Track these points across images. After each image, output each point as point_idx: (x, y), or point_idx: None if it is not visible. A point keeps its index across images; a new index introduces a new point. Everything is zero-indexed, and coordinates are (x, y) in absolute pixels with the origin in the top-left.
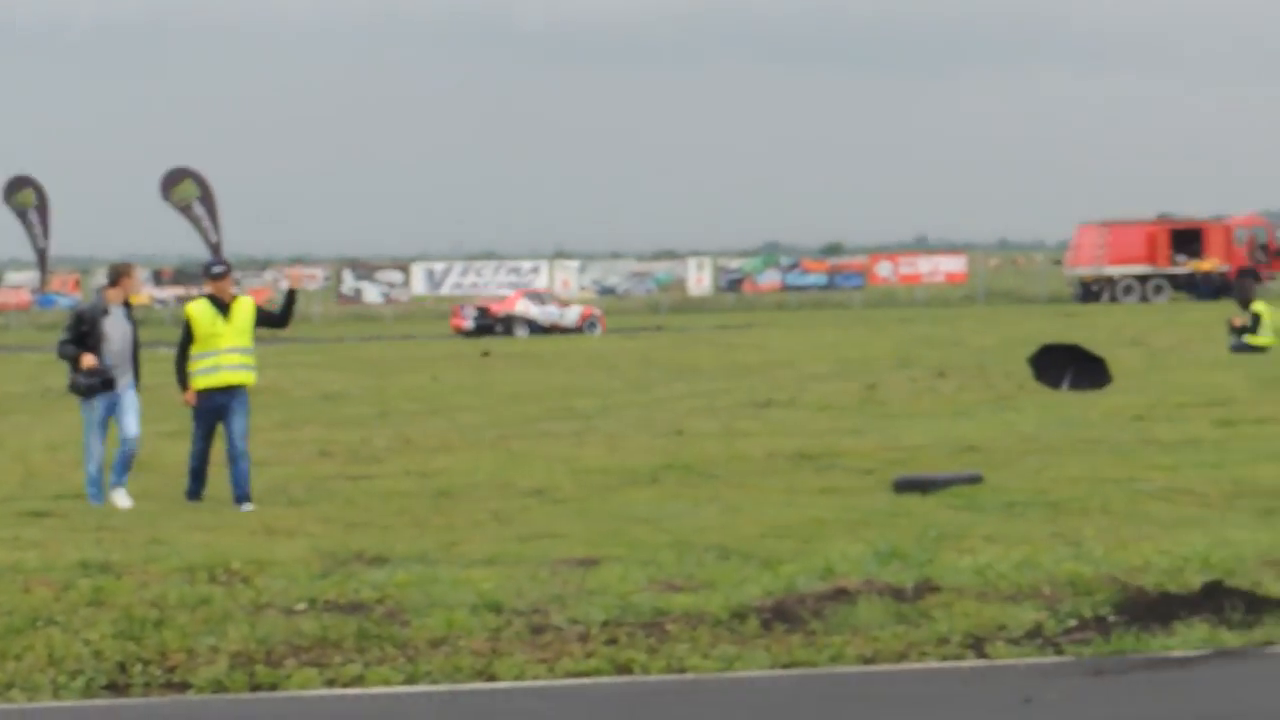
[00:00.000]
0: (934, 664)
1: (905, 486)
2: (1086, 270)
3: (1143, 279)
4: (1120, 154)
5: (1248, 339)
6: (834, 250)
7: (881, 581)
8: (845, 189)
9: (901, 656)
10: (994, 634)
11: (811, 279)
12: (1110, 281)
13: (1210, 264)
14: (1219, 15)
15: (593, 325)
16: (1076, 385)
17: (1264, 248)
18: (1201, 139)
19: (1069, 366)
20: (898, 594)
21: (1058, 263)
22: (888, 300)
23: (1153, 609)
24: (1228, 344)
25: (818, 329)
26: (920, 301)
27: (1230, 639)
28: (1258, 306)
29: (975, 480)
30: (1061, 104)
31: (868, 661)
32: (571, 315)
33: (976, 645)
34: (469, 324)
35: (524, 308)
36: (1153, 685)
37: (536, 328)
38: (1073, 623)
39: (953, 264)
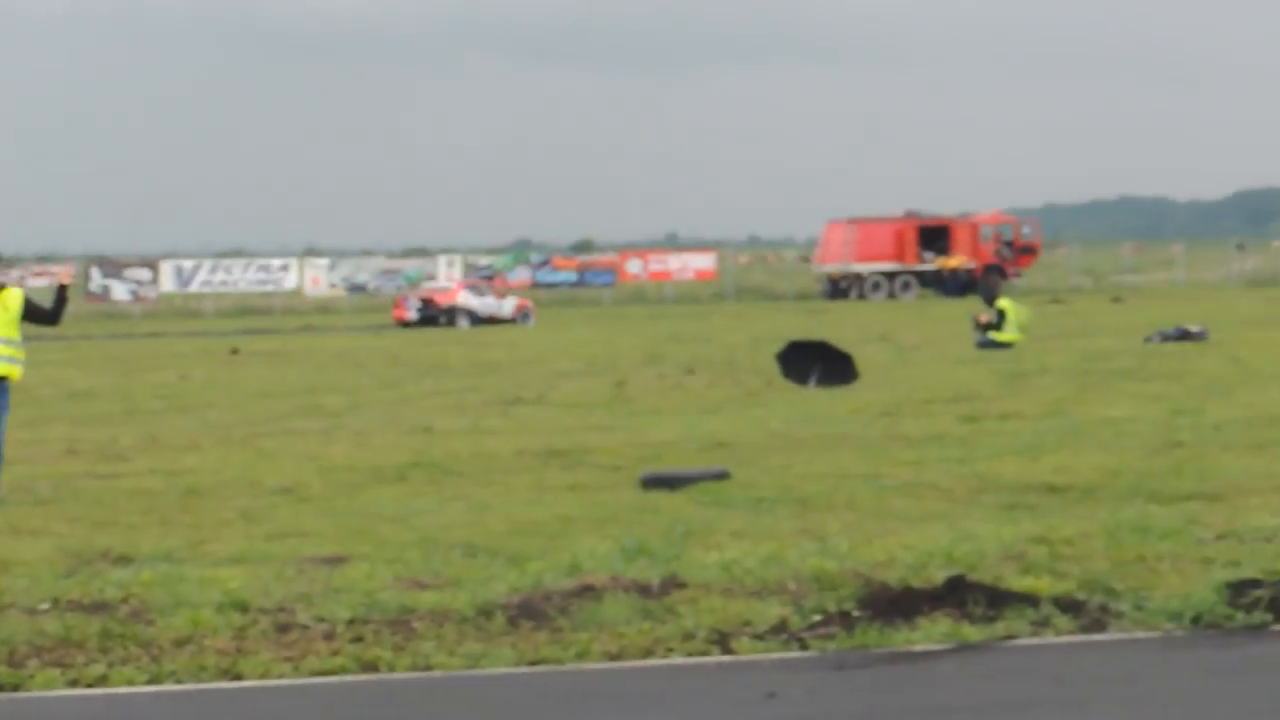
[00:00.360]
0: (679, 660)
1: (653, 483)
2: (835, 267)
3: (890, 276)
4: (869, 151)
5: (993, 335)
6: (584, 247)
7: (628, 578)
8: (595, 186)
9: (647, 652)
10: (739, 629)
11: (562, 276)
12: (858, 278)
13: (957, 261)
14: (965, 13)
15: (526, 316)
16: (824, 382)
17: (1010, 245)
18: (949, 137)
19: (817, 363)
20: (644, 590)
21: (806, 260)
22: (638, 297)
23: (896, 604)
24: (973, 340)
25: (568, 326)
26: (670, 298)
27: (972, 633)
28: (1003, 303)
29: (722, 476)
30: (809, 102)
31: (614, 658)
32: (508, 307)
33: (722, 641)
34: (412, 315)
35: (465, 299)
36: (895, 679)
37: (476, 318)
38: (817, 618)
39: (702, 261)
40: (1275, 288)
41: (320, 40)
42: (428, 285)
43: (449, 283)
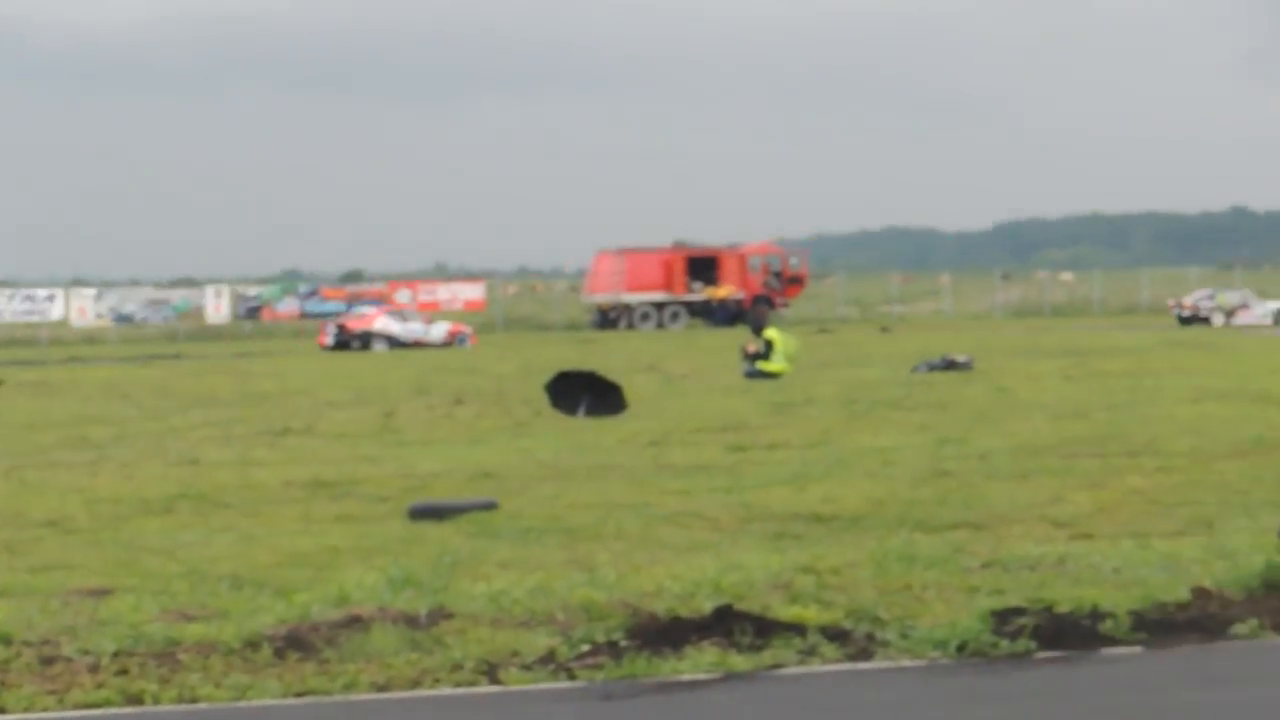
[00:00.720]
0: (447, 690)
1: (420, 514)
2: (604, 297)
3: (660, 306)
4: (637, 182)
5: (761, 365)
6: (353, 277)
7: (395, 609)
8: (364, 216)
9: (415, 683)
10: (507, 660)
11: (330, 306)
12: (628, 308)
13: (725, 291)
14: (731, 45)
15: (462, 340)
16: (593, 412)
17: (778, 275)
18: (717, 168)
19: (585, 393)
20: (412, 621)
21: (576, 290)
22: None
23: (664, 633)
24: (741, 370)
25: (336, 357)
26: None
27: (740, 662)
28: (771, 333)
29: (490, 507)
30: (578, 132)
31: (381, 689)
32: (438, 332)
33: (490, 671)
34: (329, 340)
35: (383, 324)
36: (663, 709)
37: (397, 343)
38: (585, 648)
39: (471, 291)
40: (1039, 317)
41: (85, 68)
42: (358, 311)
43: (372, 309)
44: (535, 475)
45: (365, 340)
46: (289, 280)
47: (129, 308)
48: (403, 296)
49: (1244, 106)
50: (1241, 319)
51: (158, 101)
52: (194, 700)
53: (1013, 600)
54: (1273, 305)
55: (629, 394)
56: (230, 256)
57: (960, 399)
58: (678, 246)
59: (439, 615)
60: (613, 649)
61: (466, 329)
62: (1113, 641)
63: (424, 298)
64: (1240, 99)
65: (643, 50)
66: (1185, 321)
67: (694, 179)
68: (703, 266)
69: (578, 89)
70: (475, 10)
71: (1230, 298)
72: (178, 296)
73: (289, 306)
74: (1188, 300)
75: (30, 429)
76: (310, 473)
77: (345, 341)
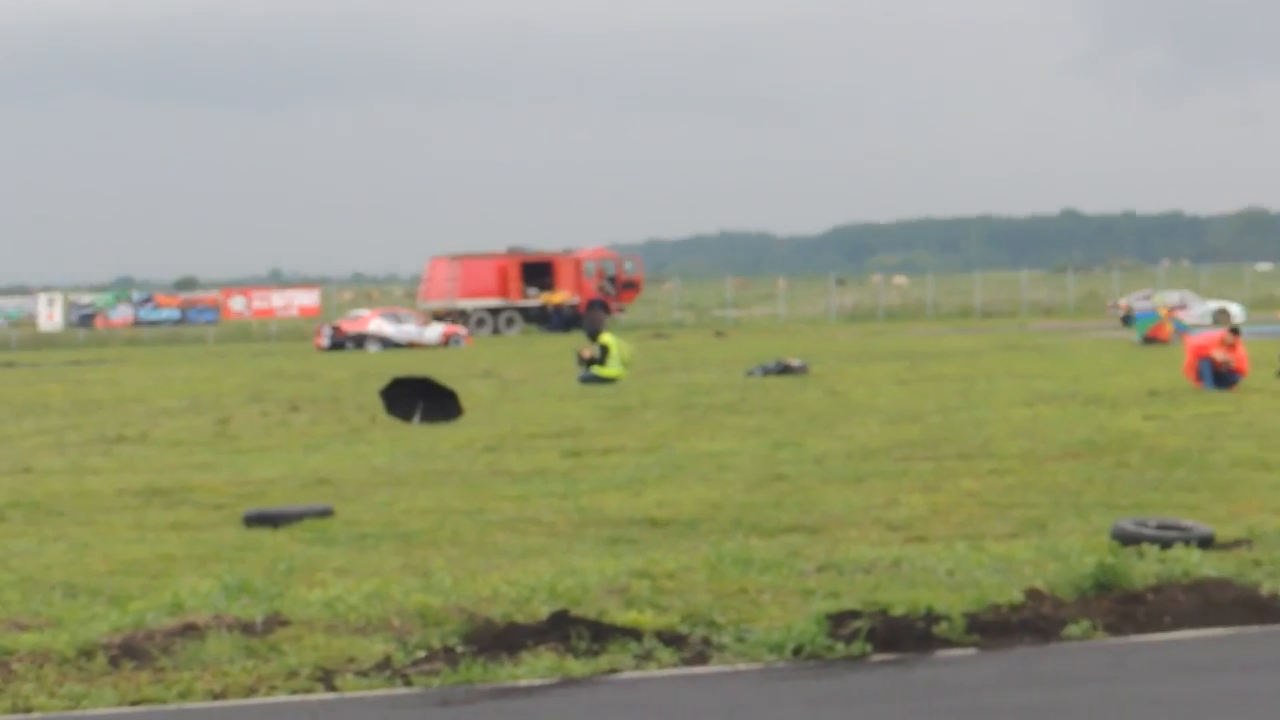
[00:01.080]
0: (283, 698)
1: (255, 521)
2: (439, 303)
3: (495, 312)
4: (472, 189)
5: (596, 370)
6: (187, 285)
7: (231, 616)
8: (198, 224)
9: (251, 691)
10: (344, 666)
11: (165, 314)
12: (463, 314)
13: (561, 297)
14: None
15: (457, 341)
16: (428, 418)
17: (612, 280)
18: (551, 174)
19: (421, 399)
20: (247, 628)
21: (411, 296)
22: (241, 334)
23: (500, 639)
24: (577, 375)
25: (171, 364)
26: (274, 335)
27: (576, 667)
28: (606, 338)
29: (326, 513)
30: (411, 140)
31: (217, 696)
32: (432, 333)
33: (326, 678)
34: (325, 342)
35: (377, 326)
36: (500, 715)
37: (390, 344)
38: (421, 654)
39: (306, 298)
40: (873, 322)
41: None
42: (349, 315)
43: (366, 311)
44: (371, 481)
45: (360, 341)
46: (122, 288)
47: None
48: (237, 303)
49: (1073, 111)
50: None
51: None
52: (28, 710)
53: (848, 603)
54: (1213, 305)
55: (464, 400)
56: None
57: (795, 403)
58: (512, 252)
59: (275, 622)
60: (449, 655)
61: (461, 330)
62: (947, 644)
63: (258, 305)
64: (1069, 104)
65: (473, 59)
66: (1126, 322)
67: (527, 187)
68: (537, 272)
69: (410, 97)
70: (304, 19)
71: (1168, 298)
72: (10, 304)
73: (122, 314)
74: (1124, 301)
75: None
76: (144, 480)
77: (340, 343)
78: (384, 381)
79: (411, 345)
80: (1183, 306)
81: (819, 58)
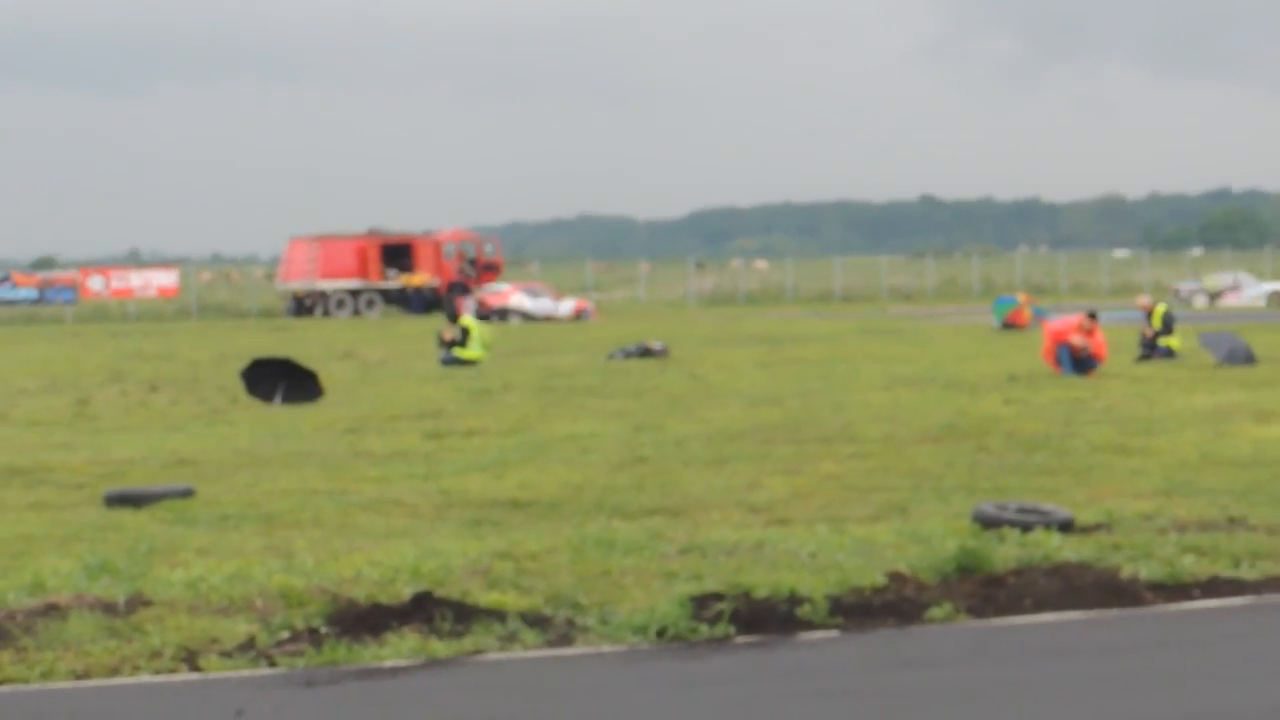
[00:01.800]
0: (147, 678)
1: (116, 501)
2: (299, 285)
3: (355, 293)
4: (329, 170)
5: (457, 352)
6: (45, 264)
7: (93, 596)
8: (56, 203)
9: (114, 671)
10: (207, 647)
11: (22, 293)
12: (323, 296)
13: (421, 278)
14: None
15: (585, 315)
16: (289, 399)
17: (473, 262)
18: (408, 155)
19: (281, 380)
20: (109, 609)
21: (270, 277)
22: (100, 315)
23: (364, 620)
24: (438, 357)
25: (28, 344)
26: (133, 316)
27: (440, 649)
28: (466, 321)
29: (187, 494)
30: (266, 120)
31: (80, 677)
32: (565, 308)
33: (189, 658)
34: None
35: (518, 300)
36: (365, 695)
37: (530, 317)
38: (285, 634)
39: (165, 278)
40: (732, 306)
41: None
42: (488, 289)
43: (505, 286)
44: (232, 462)
45: (502, 314)
46: None
47: None
48: (95, 283)
49: (928, 98)
50: (1230, 301)
51: None
52: None
53: (711, 586)
54: (1267, 287)
55: (325, 381)
56: None
57: (656, 386)
58: (372, 234)
59: (137, 602)
60: (313, 636)
61: (588, 305)
62: (810, 626)
63: (117, 284)
64: (923, 90)
65: (331, 39)
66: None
67: (387, 168)
68: (397, 254)
69: (268, 78)
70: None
71: (1221, 280)
72: None
73: None
74: (1178, 285)
75: None
76: (3, 460)
77: (484, 316)
78: (244, 362)
79: (548, 319)
80: (1235, 287)
81: (679, 41)
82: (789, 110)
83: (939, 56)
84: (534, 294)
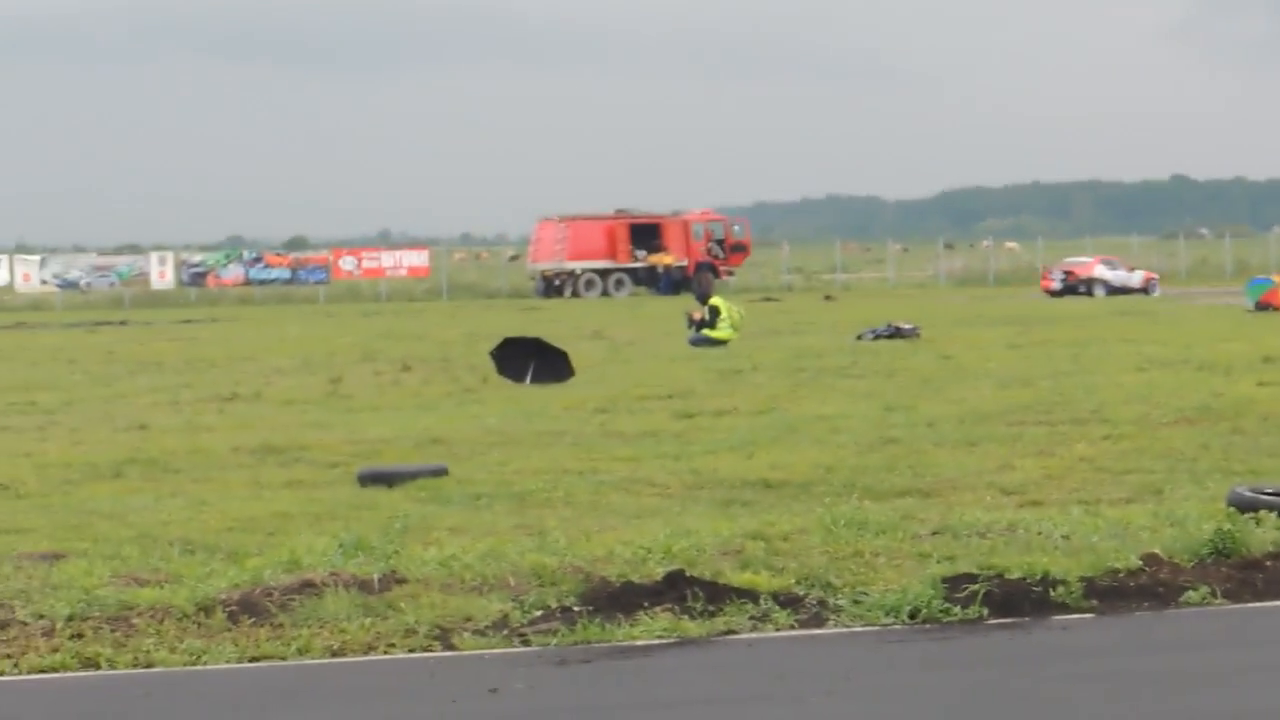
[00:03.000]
0: (401, 655)
1: (370, 479)
2: (548, 265)
3: (603, 274)
4: (579, 151)
5: (706, 332)
6: (297, 244)
7: (348, 574)
8: (308, 183)
9: (369, 648)
10: (460, 625)
11: (275, 273)
12: (572, 276)
13: (669, 259)
14: (663, 15)
15: (1153, 286)
16: (539, 378)
17: (720, 243)
18: (658, 137)
19: (532, 360)
20: (364, 586)
21: (520, 258)
22: (351, 294)
23: (616, 599)
24: (687, 338)
25: (282, 323)
26: (384, 295)
27: (693, 628)
28: (715, 301)
29: (440, 473)
30: (518, 102)
31: (335, 653)
32: (1136, 279)
33: (443, 636)
34: (1056, 285)
35: (1101, 271)
36: (617, 674)
37: (1110, 288)
38: (538, 613)
39: (416, 258)
40: (982, 286)
41: (17, 37)
42: (1069, 260)
43: (1087, 258)
44: (484, 441)
45: (1089, 286)
46: (233, 247)
47: (73, 274)
48: (347, 263)
49: (1178, 76)
50: None
51: (94, 69)
52: (149, 665)
53: (963, 567)
54: None
55: (575, 361)
56: (174, 223)
57: (906, 367)
58: (620, 214)
59: (391, 580)
60: (565, 614)
61: (1154, 276)
62: (1064, 608)
63: (368, 264)
64: (1174, 69)
65: (578, 22)
66: None
67: (635, 149)
68: (646, 234)
69: (516, 60)
70: None
71: None
72: (122, 263)
73: (234, 273)
74: None
75: None
76: (259, 438)
77: (1072, 287)
78: (495, 342)
79: (1124, 289)
80: None
81: (927, 20)
82: (1036, 89)
83: (1189, 34)
84: (1111, 265)
